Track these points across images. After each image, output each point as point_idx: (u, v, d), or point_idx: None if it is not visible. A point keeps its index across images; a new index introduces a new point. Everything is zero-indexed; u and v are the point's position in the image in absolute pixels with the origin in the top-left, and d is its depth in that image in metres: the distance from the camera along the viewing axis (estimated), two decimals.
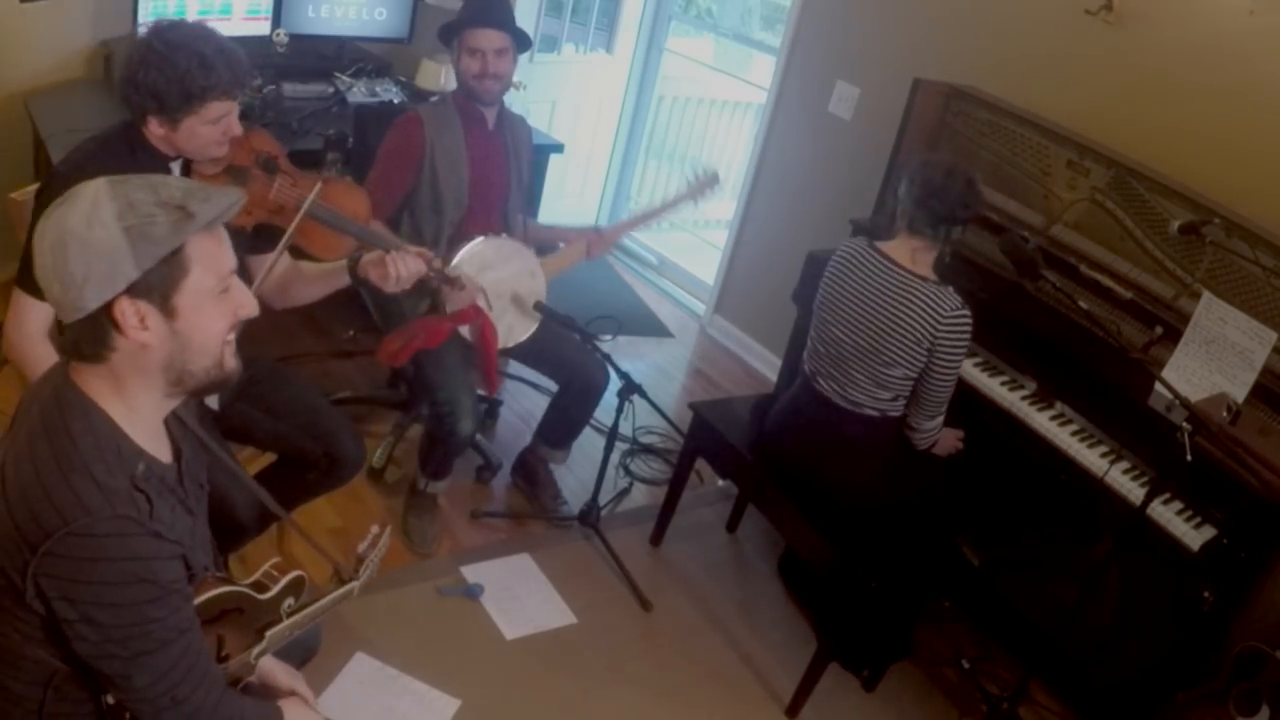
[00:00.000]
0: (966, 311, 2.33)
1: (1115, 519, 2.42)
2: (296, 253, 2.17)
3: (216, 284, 1.24)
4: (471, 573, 2.74)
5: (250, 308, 1.31)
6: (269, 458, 2.36)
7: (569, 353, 2.93)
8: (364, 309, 3.05)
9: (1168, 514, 2.30)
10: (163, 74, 1.79)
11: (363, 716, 2.24)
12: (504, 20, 2.70)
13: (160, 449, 1.31)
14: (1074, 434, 2.52)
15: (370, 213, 2.38)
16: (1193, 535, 2.25)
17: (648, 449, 3.51)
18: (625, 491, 3.26)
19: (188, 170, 1.98)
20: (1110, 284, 2.61)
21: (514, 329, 2.78)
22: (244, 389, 2.23)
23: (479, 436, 2.98)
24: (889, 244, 2.43)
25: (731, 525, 3.21)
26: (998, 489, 2.85)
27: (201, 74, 1.81)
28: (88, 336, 1.20)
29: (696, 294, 4.78)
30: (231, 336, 1.30)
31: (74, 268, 1.15)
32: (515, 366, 2.89)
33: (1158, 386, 2.09)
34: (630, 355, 4.08)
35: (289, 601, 1.56)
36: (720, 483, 3.35)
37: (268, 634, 1.51)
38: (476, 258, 2.62)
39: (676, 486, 2.97)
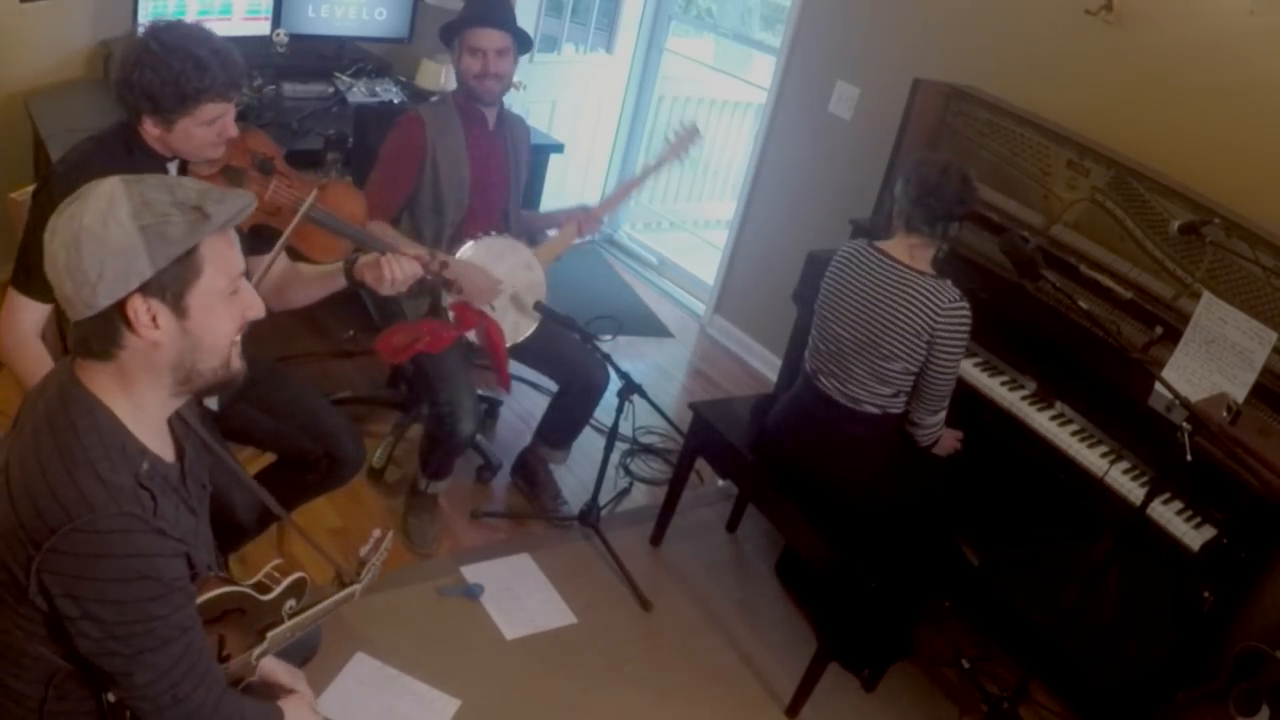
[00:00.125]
0: (965, 304, 2.34)
1: (1115, 519, 2.42)
2: (292, 255, 2.17)
3: (227, 285, 1.26)
4: (471, 573, 2.74)
5: (258, 309, 1.32)
6: (269, 458, 2.35)
7: (569, 352, 2.93)
8: (364, 309, 3.05)
9: (1168, 514, 2.30)
10: (157, 75, 1.79)
11: (363, 716, 2.24)
12: (505, 20, 2.70)
13: (164, 448, 1.31)
14: (1074, 434, 2.52)
15: (367, 215, 2.38)
16: (1193, 535, 2.25)
17: (648, 449, 3.51)
18: (625, 491, 3.26)
19: (184, 171, 1.98)
20: (1110, 284, 2.61)
21: (519, 325, 2.79)
22: (244, 389, 2.20)
23: (479, 436, 2.98)
24: (888, 243, 2.45)
25: (731, 525, 3.21)
26: (998, 489, 2.85)
27: (196, 75, 1.81)
28: (98, 334, 1.20)
29: (696, 294, 4.78)
30: (238, 337, 1.31)
31: (88, 265, 1.15)
32: (515, 366, 2.90)
33: (1158, 386, 2.09)
34: (630, 355, 4.08)
35: (290, 603, 1.56)
36: (720, 483, 3.35)
37: (269, 635, 1.51)
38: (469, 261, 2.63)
39: (676, 486, 2.97)
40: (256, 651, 1.50)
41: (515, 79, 2.83)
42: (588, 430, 3.15)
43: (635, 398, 2.79)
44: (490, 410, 3.43)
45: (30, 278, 1.82)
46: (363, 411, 3.29)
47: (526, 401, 3.55)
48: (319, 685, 2.21)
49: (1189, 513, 2.30)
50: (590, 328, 3.00)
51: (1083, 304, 2.38)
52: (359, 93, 3.75)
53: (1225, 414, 2.20)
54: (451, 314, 2.50)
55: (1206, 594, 2.27)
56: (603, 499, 3.00)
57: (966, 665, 2.73)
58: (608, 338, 3.96)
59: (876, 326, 2.39)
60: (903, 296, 2.35)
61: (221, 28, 3.39)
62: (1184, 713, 2.38)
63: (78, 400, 1.22)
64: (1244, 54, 2.65)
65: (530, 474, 3.12)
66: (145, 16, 3.23)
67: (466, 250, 2.69)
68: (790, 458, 2.64)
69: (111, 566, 1.16)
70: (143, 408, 1.26)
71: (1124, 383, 2.45)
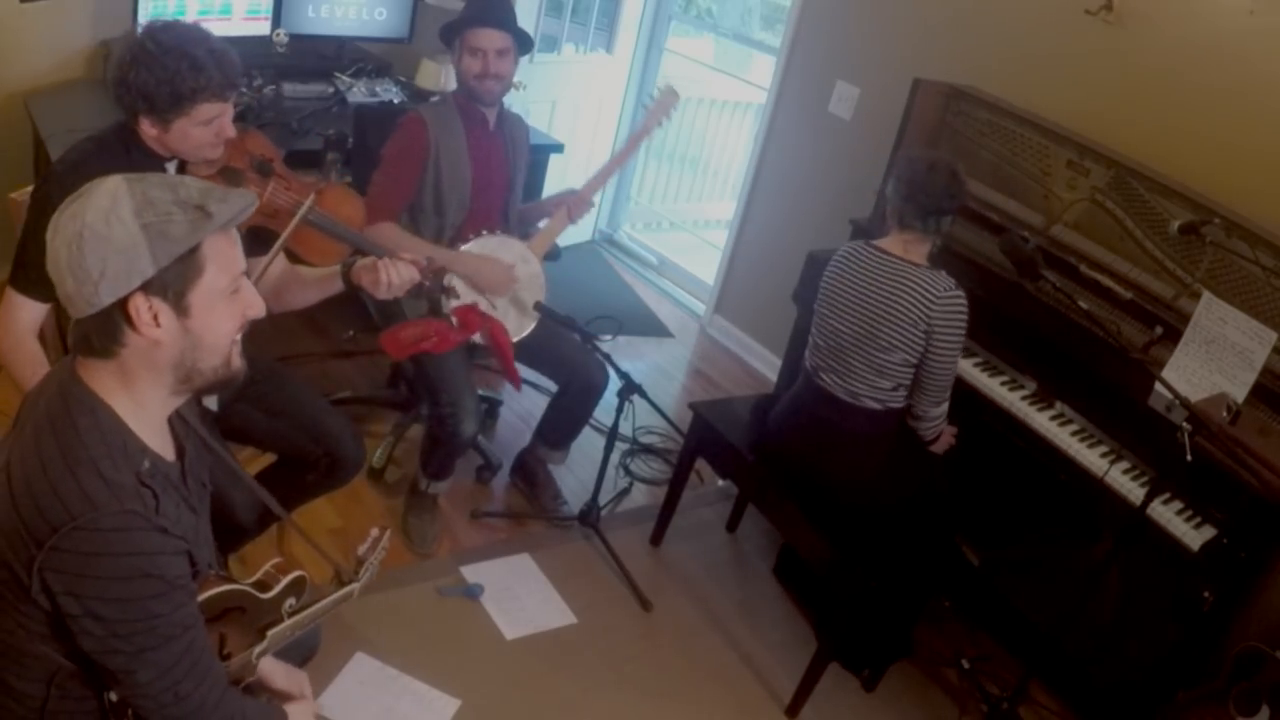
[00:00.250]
0: (960, 292, 2.36)
1: (1115, 519, 2.42)
2: (290, 258, 2.17)
3: (229, 284, 1.26)
4: (471, 573, 2.74)
5: (258, 308, 1.33)
6: (269, 458, 2.36)
7: (569, 352, 2.93)
8: (364, 309, 3.05)
9: (1168, 514, 2.30)
10: (153, 75, 1.79)
11: (363, 716, 2.24)
12: (506, 20, 2.70)
13: (164, 447, 1.31)
14: (1074, 434, 2.52)
15: (365, 218, 2.38)
16: (1193, 535, 2.25)
17: (648, 449, 3.51)
18: (625, 491, 3.26)
19: (183, 171, 1.98)
20: (1110, 284, 2.61)
21: (520, 324, 2.81)
22: (244, 389, 2.21)
23: (479, 437, 2.98)
24: (883, 240, 2.48)
25: (731, 525, 3.21)
26: (998, 489, 2.85)
27: (191, 76, 1.80)
28: (99, 332, 1.21)
29: (696, 294, 4.78)
30: (238, 336, 1.32)
31: (90, 263, 1.15)
32: (516, 365, 2.90)
33: (1158, 386, 2.09)
34: (630, 355, 4.08)
35: (290, 601, 1.56)
36: (720, 483, 3.35)
37: (269, 633, 1.51)
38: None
39: (676, 486, 2.98)
40: (257, 650, 1.50)
41: (515, 79, 2.83)
42: (588, 430, 3.15)
43: (635, 398, 2.79)
44: (490, 410, 3.43)
45: (28, 277, 1.82)
46: (363, 411, 3.29)
47: (526, 401, 3.55)
48: (319, 685, 2.21)
49: (1189, 513, 2.30)
50: (590, 328, 2.99)
51: (1083, 304, 2.39)
52: (359, 93, 3.75)
53: (1225, 414, 2.20)
54: (454, 318, 2.51)
55: (1206, 594, 2.27)
56: (603, 499, 3.00)
57: (966, 665, 2.73)
58: (608, 338, 3.96)
59: (874, 318, 2.40)
60: (898, 287, 2.37)
61: (221, 28, 3.40)
62: (1184, 713, 2.38)
63: (79, 399, 1.22)
64: (1244, 54, 2.65)
65: (529, 474, 3.12)
66: (145, 16, 3.22)
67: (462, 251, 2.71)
68: (791, 456, 2.64)
69: (114, 564, 1.16)
70: (144, 406, 1.26)
71: (1124, 383, 2.45)
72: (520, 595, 2.71)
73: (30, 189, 2.15)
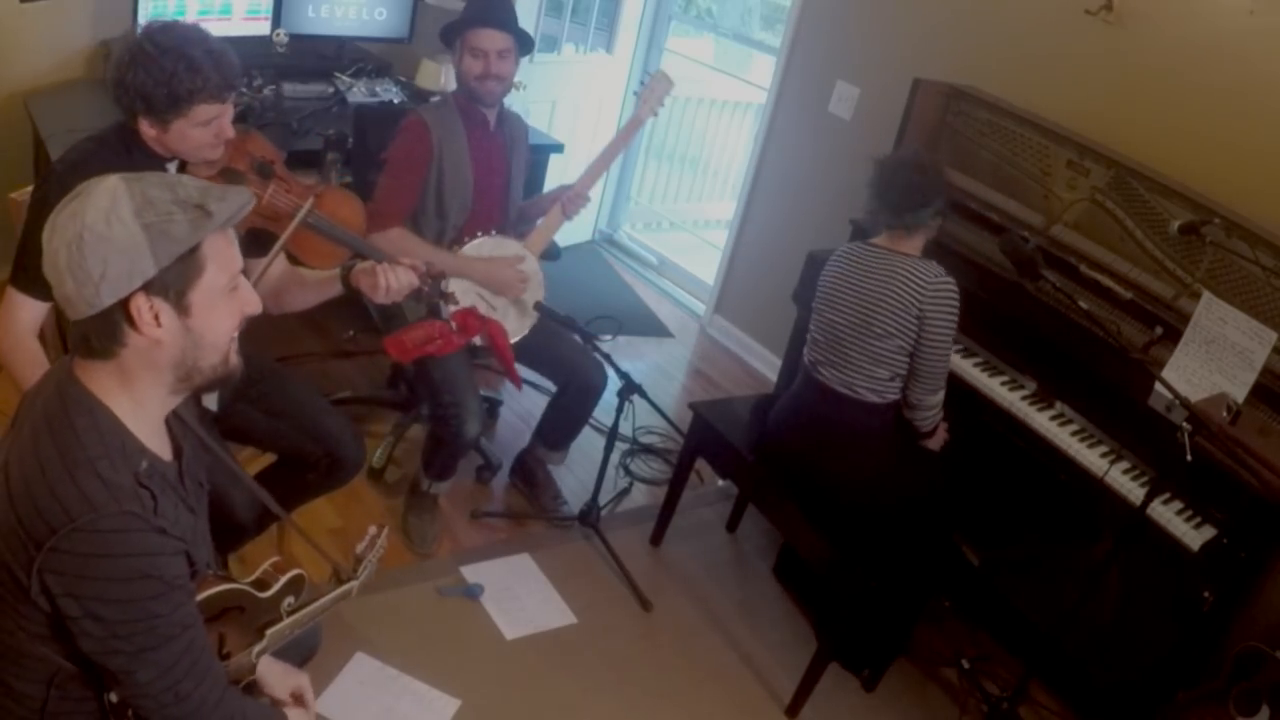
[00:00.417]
0: (950, 280, 2.41)
1: (1115, 519, 2.42)
2: (289, 260, 2.17)
3: (228, 282, 1.27)
4: (471, 573, 2.74)
5: (255, 305, 1.33)
6: (269, 458, 2.36)
7: (567, 353, 2.93)
8: (364, 310, 3.05)
9: (1168, 514, 2.30)
10: (150, 76, 1.79)
11: (363, 716, 2.24)
12: (507, 21, 2.70)
13: (162, 447, 1.31)
14: (1074, 434, 2.52)
15: (365, 222, 2.38)
16: (1193, 535, 2.25)
17: (648, 449, 3.51)
18: (625, 491, 3.26)
19: (183, 171, 1.98)
20: (1110, 284, 2.61)
21: (520, 323, 2.81)
22: (244, 389, 2.22)
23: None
24: (875, 239, 2.55)
25: (731, 525, 3.21)
26: (998, 489, 2.85)
27: (188, 77, 1.80)
28: (99, 332, 1.20)
29: (696, 294, 4.78)
30: (236, 334, 1.32)
31: (91, 264, 1.15)
32: (516, 366, 2.90)
33: (1158, 386, 2.09)
34: (630, 355, 4.08)
35: (289, 600, 1.56)
36: (720, 483, 3.35)
37: (268, 632, 1.51)
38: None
39: (676, 486, 2.98)
40: (256, 649, 1.50)
41: (515, 79, 2.83)
42: (587, 430, 3.15)
43: (635, 398, 2.79)
44: (490, 410, 3.43)
45: (29, 276, 1.82)
46: (363, 411, 3.29)
47: (526, 401, 3.55)
48: (319, 685, 2.20)
49: (1189, 513, 2.30)
50: (590, 328, 2.99)
51: (1083, 304, 2.39)
52: (359, 93, 3.75)
53: (1225, 414, 2.20)
54: (454, 323, 2.52)
55: (1206, 594, 2.27)
56: (603, 499, 3.00)
57: (966, 665, 2.73)
58: (608, 338, 3.96)
59: (869, 307, 2.45)
60: (891, 277, 2.43)
61: (221, 28, 3.40)
62: (1184, 713, 2.38)
63: (76, 399, 1.22)
64: (1244, 54, 2.65)
65: (529, 475, 3.12)
66: (145, 16, 3.22)
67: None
68: (792, 455, 2.64)
69: (112, 565, 1.16)
70: (143, 405, 1.26)
71: (1124, 383, 2.45)
72: (520, 595, 2.71)
73: (30, 189, 2.15)
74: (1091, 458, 2.46)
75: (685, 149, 5.60)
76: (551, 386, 3.10)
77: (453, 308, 2.43)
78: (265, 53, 3.58)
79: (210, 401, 2.16)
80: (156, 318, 1.20)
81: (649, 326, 4.47)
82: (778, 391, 3.29)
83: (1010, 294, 2.77)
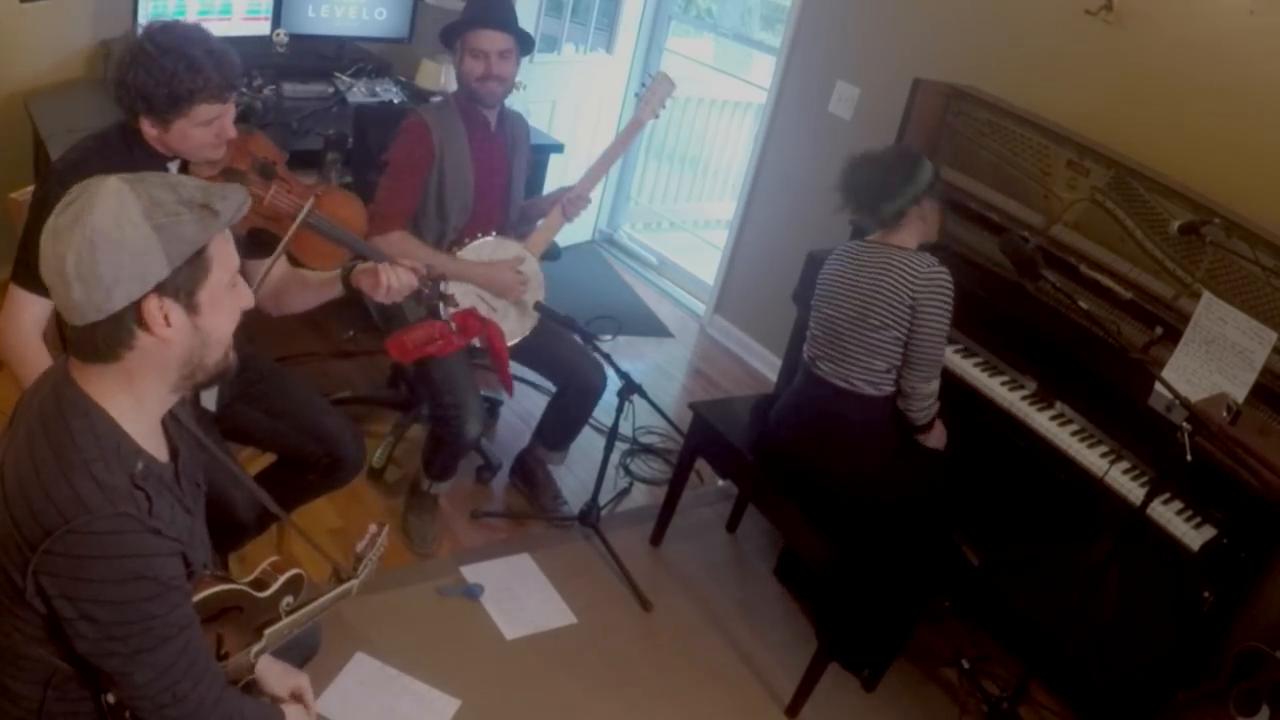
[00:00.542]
0: (943, 269, 2.43)
1: (1115, 519, 2.42)
2: (289, 262, 2.17)
3: (230, 279, 1.28)
4: (471, 573, 2.74)
5: (249, 300, 1.34)
6: (269, 458, 2.36)
7: (567, 354, 2.93)
8: (364, 309, 3.05)
9: (1168, 514, 2.30)
10: (151, 76, 1.79)
11: (363, 716, 2.24)
12: (508, 22, 2.69)
13: (158, 448, 1.31)
14: (1074, 434, 2.52)
15: (366, 224, 2.38)
16: (1193, 535, 2.25)
17: (648, 449, 3.51)
18: (625, 491, 3.26)
19: (185, 171, 1.98)
20: (1110, 284, 2.61)
21: (520, 324, 2.81)
22: (244, 389, 2.23)
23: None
24: (870, 236, 2.59)
25: (731, 525, 3.21)
26: (998, 489, 2.85)
27: (189, 77, 1.80)
28: (107, 336, 1.19)
29: (696, 294, 4.78)
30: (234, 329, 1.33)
31: (104, 268, 1.14)
32: (514, 366, 2.90)
33: (1158, 386, 2.09)
34: (630, 355, 4.08)
35: (288, 599, 1.56)
36: (720, 483, 3.35)
37: (267, 632, 1.51)
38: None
39: (676, 486, 2.97)
40: (255, 649, 1.50)
41: (516, 79, 2.82)
42: (587, 430, 3.15)
43: (635, 398, 2.79)
44: (490, 410, 3.43)
45: (31, 273, 1.81)
46: (363, 411, 3.29)
47: (526, 401, 3.55)
48: (319, 685, 2.21)
49: (1189, 513, 2.30)
50: (590, 328, 2.99)
51: (1083, 304, 2.39)
52: (359, 93, 3.75)
53: (1225, 414, 2.20)
54: (454, 324, 2.52)
55: (1206, 594, 2.26)
56: (603, 499, 3.00)
57: (966, 665, 2.73)
58: (608, 338, 3.96)
59: (864, 299, 2.47)
60: (885, 268, 2.46)
61: (221, 28, 3.40)
62: (1184, 713, 2.38)
63: (72, 401, 1.22)
64: (1244, 54, 2.64)
65: (528, 475, 3.12)
66: (145, 16, 3.22)
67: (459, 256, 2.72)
68: (792, 451, 2.65)
69: (107, 567, 1.16)
70: (143, 406, 1.26)
71: (1124, 383, 2.45)
72: (520, 595, 2.71)
73: (30, 189, 2.15)
74: (1091, 458, 2.46)
75: (685, 149, 5.59)
76: (551, 387, 3.10)
77: (452, 309, 2.43)
78: (265, 53, 3.58)
79: (209, 402, 2.16)
80: (166, 318, 1.20)
81: (649, 326, 4.47)
82: (778, 391, 3.29)
83: (1010, 294, 2.77)
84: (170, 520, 1.26)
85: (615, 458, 3.16)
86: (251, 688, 1.56)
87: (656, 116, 2.98)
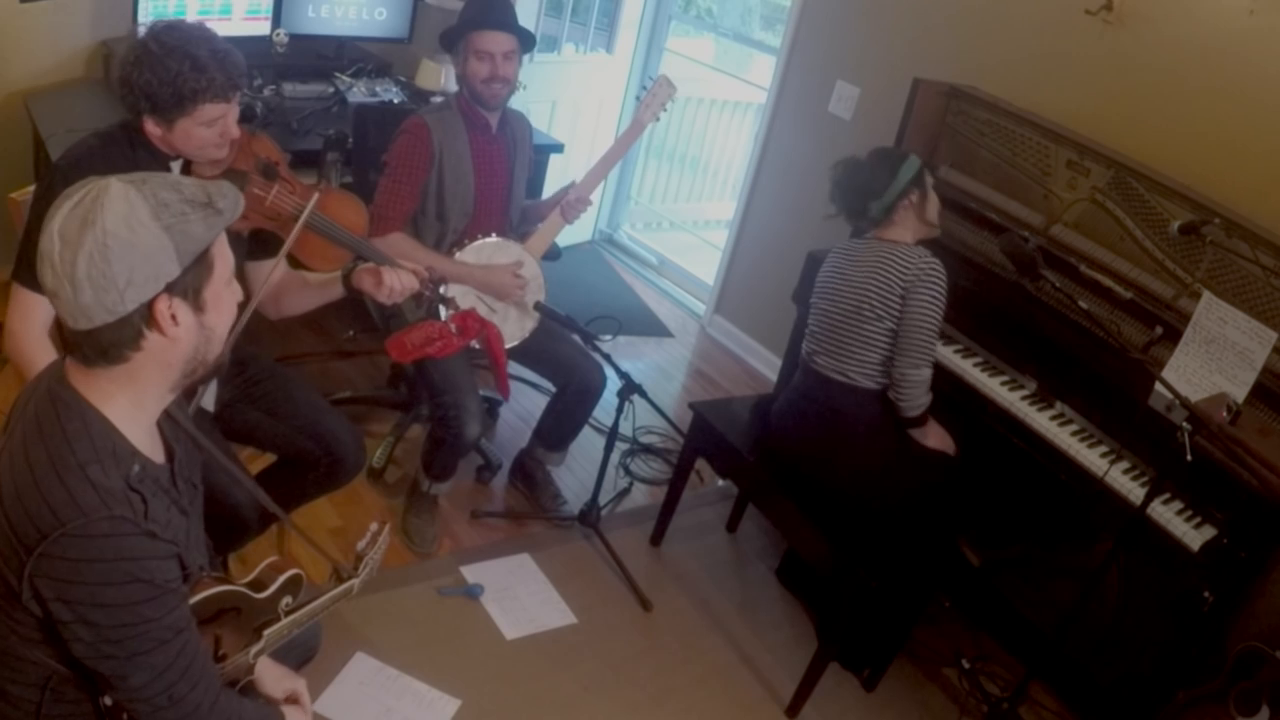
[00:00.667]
0: (935, 262, 2.47)
1: (1115, 519, 2.42)
2: (290, 263, 2.16)
3: (229, 276, 1.29)
4: (471, 573, 2.74)
5: (240, 295, 1.35)
6: (269, 458, 2.36)
7: (566, 354, 2.93)
8: (364, 309, 3.05)
9: (1168, 514, 2.29)
10: (155, 75, 1.79)
11: (363, 716, 2.24)
12: (511, 22, 2.69)
13: (154, 449, 1.31)
14: (1074, 434, 2.52)
15: (367, 225, 2.38)
16: (1193, 535, 2.25)
17: (648, 449, 3.51)
18: (625, 491, 3.26)
19: (187, 171, 1.98)
20: (1110, 284, 2.61)
21: (521, 325, 2.81)
22: (244, 389, 2.23)
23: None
24: (867, 234, 2.63)
25: (731, 525, 3.21)
26: (998, 489, 2.85)
27: (194, 76, 1.80)
28: (116, 338, 1.19)
29: (696, 294, 4.78)
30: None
31: (117, 270, 1.14)
32: (514, 366, 2.90)
33: (1158, 386, 2.09)
34: (630, 355, 4.09)
35: (286, 600, 1.56)
36: (720, 483, 3.35)
37: (266, 633, 1.51)
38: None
39: (676, 486, 2.98)
40: (254, 650, 1.50)
41: (517, 80, 2.82)
42: (587, 430, 3.15)
43: (635, 398, 2.79)
44: (490, 410, 3.43)
45: (35, 272, 1.81)
46: (363, 411, 3.29)
47: (526, 401, 3.55)
48: (319, 685, 2.21)
49: (1189, 513, 2.30)
50: (590, 328, 2.99)
51: (1083, 304, 2.39)
52: (359, 93, 3.75)
53: (1225, 414, 2.20)
54: (454, 325, 2.52)
55: (1206, 594, 2.26)
56: (603, 499, 3.00)
57: (966, 665, 2.73)
58: (608, 338, 3.96)
59: (859, 293, 2.51)
60: (880, 262, 2.50)
61: (221, 28, 3.37)
62: (1184, 713, 2.38)
63: (68, 404, 1.21)
64: (1244, 54, 2.64)
65: (528, 476, 3.12)
66: (145, 16, 3.23)
67: (459, 258, 2.71)
68: (792, 447, 2.66)
69: (103, 570, 1.16)
70: (141, 406, 1.26)
71: (1124, 383, 2.45)
72: (520, 595, 2.71)
73: (31, 189, 2.15)
74: (1091, 458, 2.45)
75: (685, 149, 5.59)
76: (551, 387, 3.10)
77: (452, 310, 2.43)
78: (265, 53, 3.58)
79: (209, 402, 2.16)
80: (174, 317, 1.21)
81: (649, 326, 4.47)
82: (778, 391, 3.29)
83: (1010, 294, 2.77)
84: (166, 522, 1.26)
85: (615, 458, 3.16)
86: (249, 689, 1.56)
87: (657, 119, 2.97)
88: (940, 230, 2.67)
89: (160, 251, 1.16)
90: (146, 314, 1.19)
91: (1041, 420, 2.55)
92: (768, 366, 4.15)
